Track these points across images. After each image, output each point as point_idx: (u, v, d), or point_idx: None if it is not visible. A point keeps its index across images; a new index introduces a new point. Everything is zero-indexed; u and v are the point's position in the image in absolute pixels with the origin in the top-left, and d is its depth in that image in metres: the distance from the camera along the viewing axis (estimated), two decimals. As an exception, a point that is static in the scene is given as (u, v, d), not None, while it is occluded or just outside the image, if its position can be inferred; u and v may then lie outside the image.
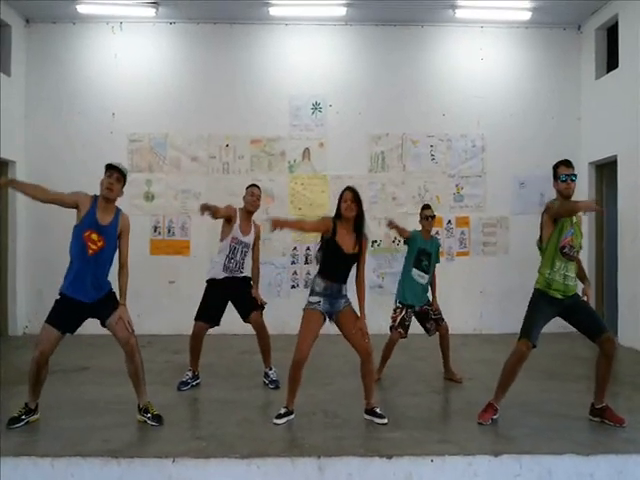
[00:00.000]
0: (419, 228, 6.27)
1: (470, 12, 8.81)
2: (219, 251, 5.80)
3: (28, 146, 8.93)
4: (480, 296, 9.06)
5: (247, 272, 5.85)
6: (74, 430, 4.39)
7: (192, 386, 5.70)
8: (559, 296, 4.60)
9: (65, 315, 4.50)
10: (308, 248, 8.93)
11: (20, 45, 8.90)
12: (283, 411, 4.61)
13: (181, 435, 4.30)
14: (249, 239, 5.79)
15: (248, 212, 5.84)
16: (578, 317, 4.65)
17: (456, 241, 9.14)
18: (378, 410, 4.69)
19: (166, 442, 4.14)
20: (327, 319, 4.66)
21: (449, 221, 9.15)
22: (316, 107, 9.17)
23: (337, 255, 4.57)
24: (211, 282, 5.78)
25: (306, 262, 8.96)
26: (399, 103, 9.14)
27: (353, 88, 9.17)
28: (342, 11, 8.72)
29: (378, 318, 8.73)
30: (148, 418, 4.56)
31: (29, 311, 8.84)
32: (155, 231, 8.99)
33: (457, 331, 8.82)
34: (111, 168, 4.60)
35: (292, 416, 4.64)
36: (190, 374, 5.76)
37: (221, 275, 5.72)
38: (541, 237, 4.72)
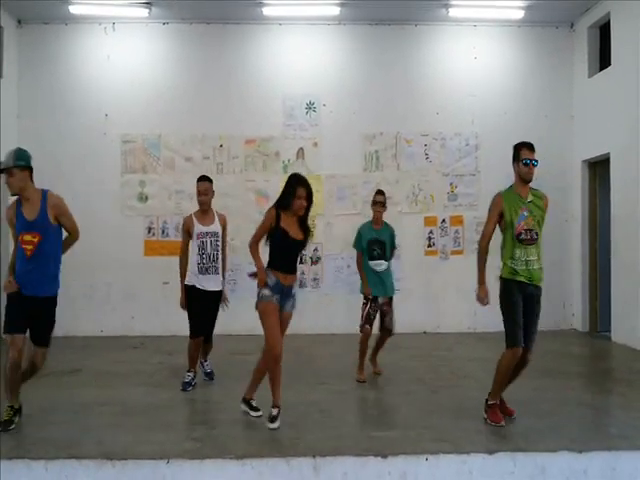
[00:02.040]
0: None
1: (463, 11, 8.82)
2: (190, 255, 5.74)
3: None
4: (474, 295, 9.03)
5: (219, 276, 5.78)
6: (67, 432, 4.38)
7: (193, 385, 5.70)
8: (525, 281, 4.57)
9: (15, 314, 4.45)
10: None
11: (12, 46, 8.86)
12: (275, 412, 4.51)
13: (175, 436, 4.29)
14: (215, 227, 5.75)
15: (202, 211, 5.81)
16: (526, 315, 4.60)
17: (450, 240, 9.14)
18: (254, 403, 4.67)
19: (160, 443, 4.13)
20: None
21: (443, 220, 9.16)
22: (310, 107, 9.16)
23: (285, 242, 4.51)
24: (190, 289, 5.69)
25: (300, 262, 8.94)
26: (393, 102, 9.14)
27: (347, 88, 9.17)
28: (336, 11, 8.71)
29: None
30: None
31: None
32: (149, 232, 8.96)
33: (452, 329, 8.88)
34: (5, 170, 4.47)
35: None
36: (192, 374, 5.73)
37: (199, 281, 5.65)
38: (486, 228, 4.71)
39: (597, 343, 8.20)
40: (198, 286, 5.66)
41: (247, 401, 4.71)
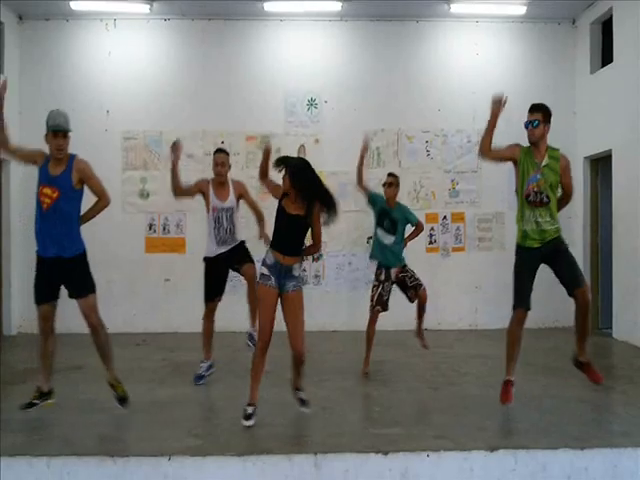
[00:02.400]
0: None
1: (465, 7, 8.79)
2: (207, 227, 5.80)
3: (21, 144, 8.85)
4: (476, 291, 9.07)
5: (240, 237, 5.81)
6: (69, 429, 4.38)
7: (207, 378, 5.70)
8: (536, 245, 4.59)
9: (41, 282, 4.53)
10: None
11: (13, 42, 8.85)
12: (251, 410, 4.43)
13: (177, 433, 4.29)
14: (230, 203, 5.74)
15: (219, 183, 5.79)
16: (558, 267, 4.64)
17: (452, 237, 9.14)
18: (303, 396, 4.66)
19: (162, 440, 4.13)
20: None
21: (444, 217, 9.15)
22: (311, 103, 9.15)
23: (284, 219, 4.49)
24: (207, 260, 5.81)
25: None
26: (394, 99, 9.12)
27: (348, 84, 9.15)
28: (337, 6, 8.69)
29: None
30: (115, 397, 4.67)
31: (23, 310, 8.79)
32: (150, 229, 8.97)
33: (452, 326, 8.89)
34: (58, 130, 4.52)
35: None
36: (205, 365, 5.75)
37: (215, 252, 5.72)
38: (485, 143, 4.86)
39: (598, 340, 8.18)
40: (215, 254, 5.71)
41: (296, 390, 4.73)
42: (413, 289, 6.09)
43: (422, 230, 6.45)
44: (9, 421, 4.52)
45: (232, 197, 5.78)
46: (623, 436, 4.22)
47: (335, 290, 9.00)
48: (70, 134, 4.61)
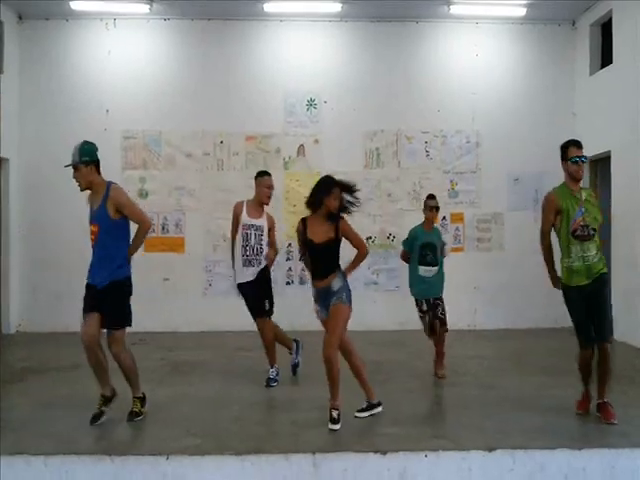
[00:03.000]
0: (416, 222, 6.27)
1: (465, 8, 8.79)
2: (235, 248, 5.75)
3: (22, 143, 8.89)
4: (474, 292, 9.07)
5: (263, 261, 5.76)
6: (67, 428, 4.38)
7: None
8: (584, 282, 4.58)
9: (87, 299, 4.57)
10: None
11: (13, 42, 8.84)
12: (336, 414, 4.45)
13: (175, 432, 4.29)
14: (261, 222, 5.72)
15: (259, 204, 5.79)
16: (592, 310, 4.62)
17: (451, 237, 9.11)
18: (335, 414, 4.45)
19: (160, 439, 4.13)
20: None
21: (444, 217, 9.13)
22: (311, 103, 9.15)
23: (311, 249, 4.58)
24: (239, 286, 5.78)
25: (301, 259, 8.93)
26: (394, 99, 9.12)
27: (348, 84, 9.15)
28: (337, 7, 8.69)
29: (374, 314, 8.80)
30: (132, 410, 4.64)
31: (22, 309, 8.81)
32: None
33: (451, 327, 8.79)
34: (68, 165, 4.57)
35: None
36: (275, 371, 5.72)
37: (243, 278, 5.68)
38: (542, 228, 4.70)
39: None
40: (241, 282, 5.71)
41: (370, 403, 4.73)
42: (439, 320, 6.01)
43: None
44: (7, 420, 4.53)
45: (264, 219, 5.76)
46: (621, 436, 4.22)
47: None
48: (87, 166, 4.52)
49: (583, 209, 4.58)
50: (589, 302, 4.61)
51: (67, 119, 8.91)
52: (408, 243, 6.16)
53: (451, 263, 9.01)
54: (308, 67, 9.12)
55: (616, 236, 8.12)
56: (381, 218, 9.08)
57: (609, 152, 8.27)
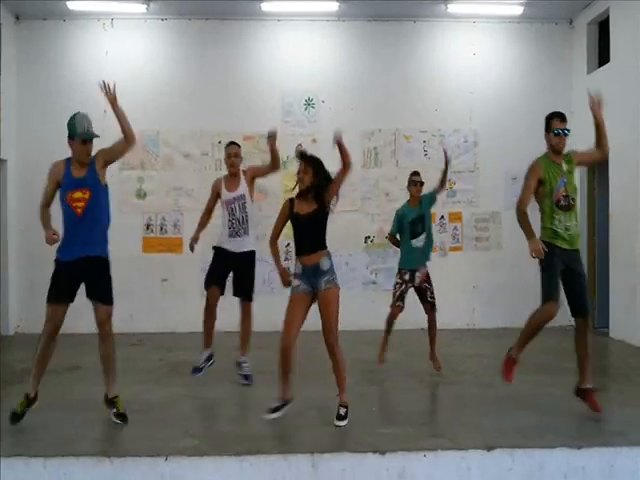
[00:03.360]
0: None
1: (462, 7, 8.80)
2: (222, 221, 5.83)
3: (20, 144, 8.88)
4: (473, 291, 9.08)
5: (252, 237, 5.80)
6: (66, 430, 4.38)
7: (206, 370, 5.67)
8: (566, 246, 4.62)
9: (62, 283, 4.44)
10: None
11: (10, 42, 8.83)
12: (278, 404, 4.47)
13: (174, 433, 4.29)
14: (241, 191, 5.74)
15: (232, 175, 5.84)
16: (571, 286, 4.64)
17: (449, 236, 9.15)
18: (342, 412, 4.46)
19: (159, 440, 4.13)
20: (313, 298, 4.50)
21: (442, 216, 9.15)
22: (309, 103, 9.15)
23: (296, 223, 4.51)
24: (217, 249, 5.81)
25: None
26: (392, 99, 9.12)
27: (346, 84, 9.15)
28: (334, 6, 8.70)
29: (372, 314, 8.77)
30: (113, 414, 4.50)
31: (21, 310, 8.80)
32: (147, 229, 8.95)
33: (450, 326, 8.87)
34: (88, 138, 4.50)
35: (288, 406, 4.50)
36: (203, 357, 5.71)
37: (224, 244, 5.74)
38: (524, 194, 4.68)
39: (595, 339, 8.14)
40: (225, 247, 5.73)
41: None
42: (430, 305, 6.14)
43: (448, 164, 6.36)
44: (5, 421, 4.51)
45: (243, 186, 5.78)
46: (620, 435, 4.23)
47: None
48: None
49: (565, 179, 4.65)
50: (568, 274, 4.62)
51: (65, 119, 8.73)
52: (396, 225, 6.26)
53: (449, 262, 9.12)
54: (306, 67, 9.12)
55: (614, 235, 8.13)
56: (379, 217, 9.07)
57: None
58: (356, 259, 8.92)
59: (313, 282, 4.45)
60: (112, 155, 4.59)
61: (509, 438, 4.18)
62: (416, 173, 6.37)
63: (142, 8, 8.64)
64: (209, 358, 5.77)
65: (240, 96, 9.02)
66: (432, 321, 6.22)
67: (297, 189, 4.62)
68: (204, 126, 9.01)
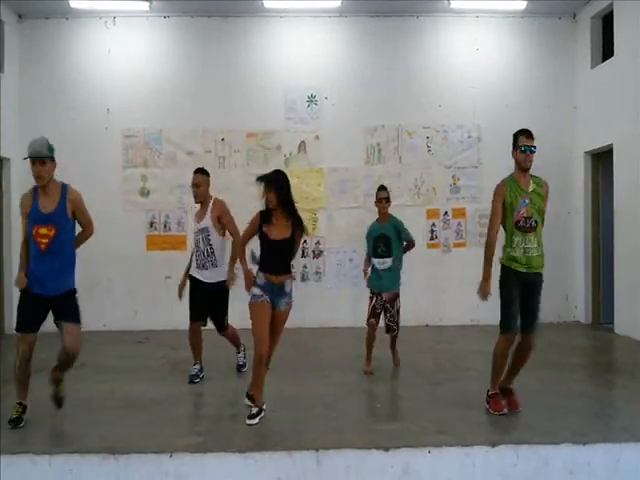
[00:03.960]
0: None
1: (465, 2, 8.76)
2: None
3: (22, 142, 8.80)
4: (477, 287, 9.01)
5: (223, 268, 5.66)
6: (71, 427, 4.40)
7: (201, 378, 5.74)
8: (523, 270, 4.57)
9: (30, 313, 4.46)
10: (305, 242, 8.89)
11: (13, 41, 8.84)
12: (256, 410, 4.48)
13: (178, 430, 4.30)
14: (204, 223, 5.68)
15: (199, 202, 5.81)
16: (525, 301, 4.61)
17: (453, 232, 9.12)
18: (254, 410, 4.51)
19: (163, 437, 4.14)
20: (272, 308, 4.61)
21: (445, 212, 9.13)
22: (312, 100, 9.13)
23: (268, 244, 4.57)
24: (191, 278, 5.80)
25: (303, 255, 8.93)
26: (395, 94, 9.10)
27: (349, 80, 9.13)
28: (337, 3, 8.67)
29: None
30: (53, 395, 4.54)
31: (26, 308, 8.82)
32: (151, 227, 8.96)
33: (454, 322, 8.88)
34: (34, 157, 4.39)
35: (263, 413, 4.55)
36: (197, 367, 5.76)
37: (195, 273, 5.73)
38: (492, 219, 4.67)
39: (600, 335, 8.19)
40: (196, 276, 5.74)
41: (250, 397, 4.69)
42: (387, 327, 6.09)
43: (413, 247, 6.28)
44: (6, 421, 4.53)
45: (207, 218, 5.68)
46: (625, 431, 4.22)
47: (336, 286, 8.99)
48: (52, 162, 4.44)
49: (527, 200, 4.58)
50: (523, 293, 4.59)
51: (68, 118, 8.91)
52: (367, 241, 6.23)
53: (453, 258, 9.09)
54: (308, 63, 9.11)
55: (618, 230, 8.10)
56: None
57: (611, 145, 8.25)
58: (360, 255, 8.83)
59: (274, 298, 4.59)
60: (79, 217, 4.54)
61: (514, 434, 4.18)
62: (381, 187, 6.31)
63: (145, 6, 8.63)
64: (201, 370, 5.80)
65: (243, 93, 9.01)
66: (393, 340, 6.21)
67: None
68: (207, 123, 9.00)
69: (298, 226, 4.65)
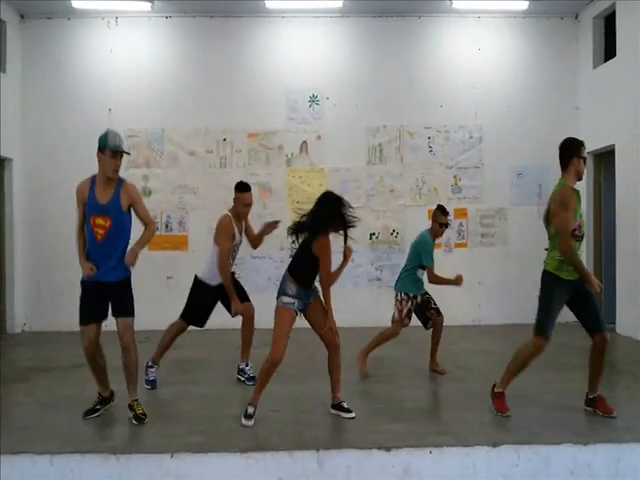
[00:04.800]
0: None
1: (467, 2, 8.76)
2: (213, 255, 5.62)
3: (24, 143, 8.91)
4: (479, 287, 9.05)
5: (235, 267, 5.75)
6: (72, 427, 4.40)
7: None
8: (572, 278, 4.49)
9: (90, 302, 4.50)
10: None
11: (15, 41, 8.86)
12: (252, 410, 4.47)
13: (179, 430, 4.30)
14: (240, 237, 5.73)
15: (238, 218, 5.73)
16: (581, 307, 4.57)
17: (454, 232, 9.12)
18: (345, 404, 4.64)
19: (164, 437, 4.14)
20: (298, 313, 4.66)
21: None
22: (313, 100, 9.14)
23: (314, 265, 4.60)
24: (202, 284, 5.67)
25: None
26: (396, 95, 9.10)
27: (350, 80, 9.13)
28: (339, 3, 8.67)
29: (377, 311, 8.78)
30: (132, 417, 4.55)
31: (27, 309, 8.85)
32: (153, 226, 8.97)
33: (456, 322, 8.83)
34: (118, 151, 4.56)
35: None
36: (154, 369, 5.65)
37: (215, 281, 5.59)
38: (548, 219, 4.59)
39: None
40: (211, 284, 5.64)
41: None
42: (436, 311, 6.09)
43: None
44: (13, 419, 4.55)
45: (242, 231, 5.79)
46: (626, 431, 4.21)
47: (337, 286, 8.92)
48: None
49: (580, 210, 4.55)
50: (578, 298, 4.53)
51: (70, 118, 8.92)
52: (431, 255, 6.04)
53: (455, 258, 9.08)
54: (310, 63, 9.11)
55: (620, 230, 8.09)
56: (384, 214, 9.07)
57: (613, 146, 8.24)
58: (361, 256, 8.90)
59: (305, 301, 4.66)
60: (136, 208, 4.59)
61: (515, 434, 4.17)
62: (446, 212, 6.16)
63: (147, 6, 8.65)
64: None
65: (244, 93, 9.02)
66: (437, 326, 6.16)
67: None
68: (209, 124, 9.02)
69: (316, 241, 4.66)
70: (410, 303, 6.00)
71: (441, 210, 6.10)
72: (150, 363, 5.66)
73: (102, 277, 4.48)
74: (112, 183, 4.54)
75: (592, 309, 4.56)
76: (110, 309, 4.58)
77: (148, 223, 4.66)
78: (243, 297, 5.70)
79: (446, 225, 6.09)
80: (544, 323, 4.51)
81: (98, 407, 4.67)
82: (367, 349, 6.05)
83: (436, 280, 5.99)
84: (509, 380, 4.69)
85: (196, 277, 5.72)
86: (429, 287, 6.22)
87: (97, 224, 4.46)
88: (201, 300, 5.67)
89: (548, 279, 4.57)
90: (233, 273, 5.73)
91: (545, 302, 4.56)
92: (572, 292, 4.53)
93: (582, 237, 4.56)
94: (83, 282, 4.56)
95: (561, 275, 4.50)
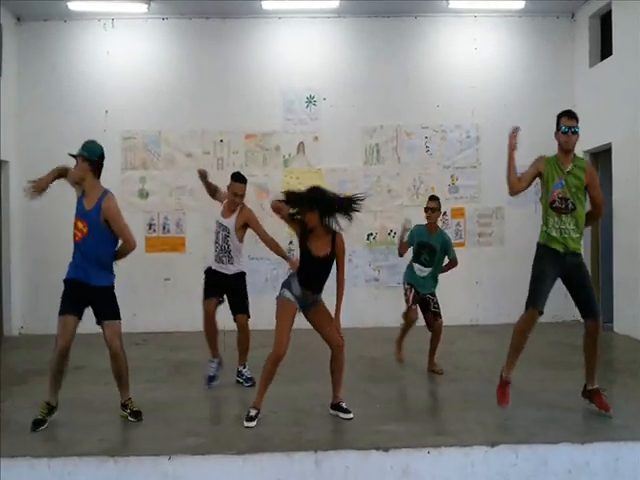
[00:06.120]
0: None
1: (463, 2, 8.76)
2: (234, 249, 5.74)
3: (21, 145, 8.89)
4: (476, 287, 9.05)
5: (237, 262, 5.71)
6: (70, 430, 4.39)
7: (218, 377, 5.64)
8: (561, 250, 4.50)
9: (72, 296, 4.53)
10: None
11: (11, 43, 8.84)
12: (254, 412, 4.45)
13: (177, 432, 4.29)
14: (229, 223, 5.65)
15: (230, 204, 5.75)
16: (575, 288, 4.58)
17: (452, 232, 9.05)
18: (344, 405, 4.64)
19: (162, 440, 4.13)
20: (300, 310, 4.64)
21: (444, 212, 9.08)
22: (310, 100, 9.14)
23: (308, 261, 4.54)
24: (207, 271, 5.80)
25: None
26: (393, 95, 9.10)
27: (347, 81, 9.13)
28: (335, 3, 8.67)
29: (375, 311, 8.80)
30: (128, 414, 4.57)
31: (24, 312, 8.82)
32: (150, 228, 8.95)
33: (453, 322, 8.81)
34: (74, 156, 4.58)
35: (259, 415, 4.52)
36: (214, 365, 5.68)
37: (214, 265, 5.72)
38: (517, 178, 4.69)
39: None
40: (214, 268, 5.73)
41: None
42: (433, 314, 6.07)
43: (456, 266, 6.26)
44: (9, 422, 4.54)
45: (234, 219, 5.64)
46: (624, 430, 4.21)
47: (334, 287, 8.95)
48: (83, 160, 4.55)
49: (563, 182, 4.52)
50: (570, 277, 4.55)
51: (66, 120, 8.90)
52: (409, 239, 6.18)
53: (452, 258, 9.07)
54: (307, 64, 9.11)
55: (617, 228, 8.10)
56: (382, 214, 9.06)
57: (610, 144, 8.24)
58: (359, 256, 8.90)
59: (305, 307, 4.63)
60: (111, 225, 4.56)
61: (513, 434, 4.17)
62: (432, 198, 6.17)
63: (143, 8, 8.63)
64: (220, 365, 5.75)
65: (241, 94, 9.02)
66: (436, 331, 6.12)
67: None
68: (205, 125, 9.01)
69: (338, 240, 4.51)
70: (410, 292, 6.04)
71: (430, 197, 6.24)
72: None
73: (82, 278, 4.50)
74: (95, 194, 4.54)
75: (586, 294, 4.56)
76: (94, 316, 4.57)
77: (124, 240, 4.63)
78: (239, 308, 5.69)
79: (432, 210, 6.06)
80: (534, 294, 4.53)
81: (47, 418, 4.46)
82: (398, 340, 6.20)
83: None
84: (513, 361, 4.65)
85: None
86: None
87: (77, 226, 4.52)
88: (212, 284, 5.72)
89: (537, 250, 4.64)
90: (221, 272, 5.70)
91: (535, 273, 4.59)
92: (568, 271, 4.53)
93: (567, 209, 4.50)
94: (65, 281, 4.59)
95: (550, 244, 4.53)
